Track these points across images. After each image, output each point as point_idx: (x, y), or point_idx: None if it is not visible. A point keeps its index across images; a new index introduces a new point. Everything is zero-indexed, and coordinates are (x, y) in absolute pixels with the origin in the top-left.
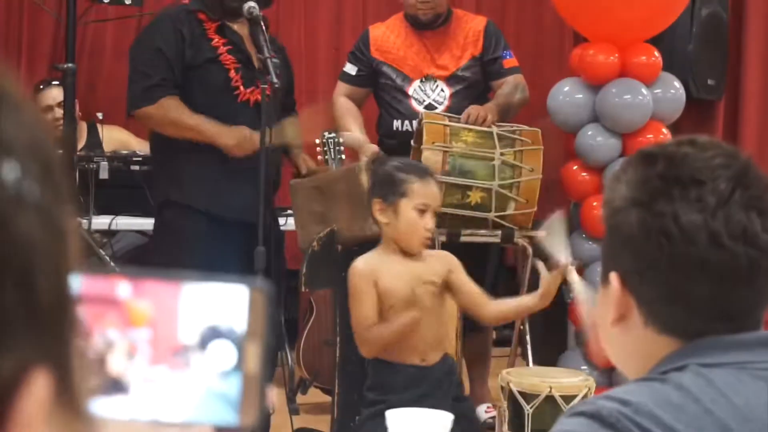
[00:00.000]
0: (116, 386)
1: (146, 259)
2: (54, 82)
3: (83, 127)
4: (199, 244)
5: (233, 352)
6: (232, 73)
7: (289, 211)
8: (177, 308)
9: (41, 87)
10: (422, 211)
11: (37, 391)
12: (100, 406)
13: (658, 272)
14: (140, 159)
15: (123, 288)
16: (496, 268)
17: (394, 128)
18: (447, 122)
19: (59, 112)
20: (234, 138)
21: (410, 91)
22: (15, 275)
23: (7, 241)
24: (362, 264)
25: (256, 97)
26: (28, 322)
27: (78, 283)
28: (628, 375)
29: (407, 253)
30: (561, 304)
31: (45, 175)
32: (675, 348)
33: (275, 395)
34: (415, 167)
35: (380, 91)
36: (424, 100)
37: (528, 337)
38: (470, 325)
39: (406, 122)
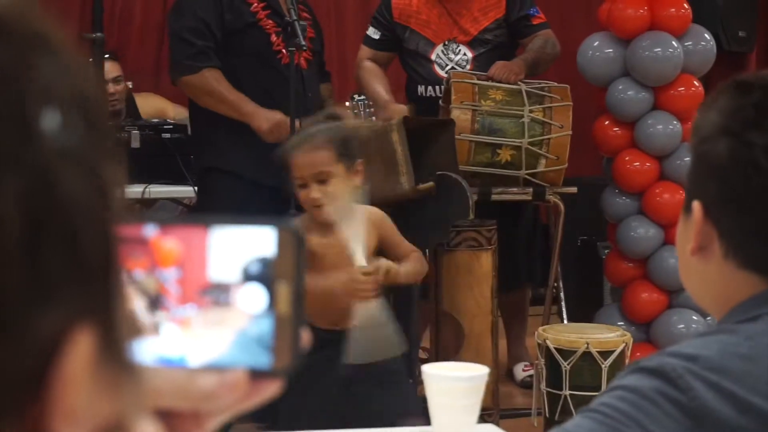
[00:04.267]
0: (146, 330)
1: None
2: (105, 56)
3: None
4: (242, 210)
5: (264, 294)
6: (273, 37)
7: None
8: (205, 250)
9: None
10: (303, 186)
11: (82, 348)
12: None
13: (744, 204)
14: (171, 127)
15: (150, 230)
16: (532, 225)
17: (419, 93)
18: (475, 81)
19: (113, 87)
20: (268, 122)
21: (433, 57)
22: (57, 231)
23: (49, 196)
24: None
25: (299, 61)
26: (71, 278)
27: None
28: (703, 307)
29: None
30: (596, 260)
31: (88, 126)
32: (752, 285)
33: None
34: (294, 139)
35: (404, 56)
36: (446, 65)
37: (562, 294)
38: (506, 284)
39: (429, 88)
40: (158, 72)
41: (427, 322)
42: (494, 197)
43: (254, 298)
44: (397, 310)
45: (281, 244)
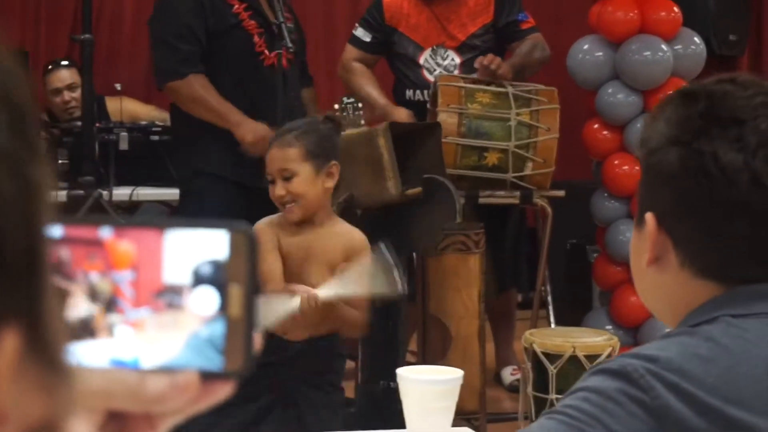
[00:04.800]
0: (97, 331)
1: None
2: (63, 63)
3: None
4: (225, 212)
5: (216, 296)
6: (256, 38)
7: None
8: (160, 253)
9: (50, 68)
10: (271, 182)
11: (6, 348)
12: (81, 353)
13: (697, 212)
14: (160, 129)
15: (106, 232)
16: (518, 229)
17: (407, 97)
18: (462, 84)
19: (68, 95)
20: (253, 134)
21: (421, 61)
22: None
23: None
24: (265, 222)
25: (281, 60)
26: None
27: (59, 229)
28: (661, 318)
29: (305, 222)
30: (585, 264)
31: (15, 124)
32: (710, 292)
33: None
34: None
35: (394, 59)
36: (434, 69)
37: (550, 298)
38: (492, 287)
39: (418, 92)
40: (150, 75)
41: (414, 325)
42: (481, 200)
43: (206, 301)
44: (384, 313)
45: (234, 246)
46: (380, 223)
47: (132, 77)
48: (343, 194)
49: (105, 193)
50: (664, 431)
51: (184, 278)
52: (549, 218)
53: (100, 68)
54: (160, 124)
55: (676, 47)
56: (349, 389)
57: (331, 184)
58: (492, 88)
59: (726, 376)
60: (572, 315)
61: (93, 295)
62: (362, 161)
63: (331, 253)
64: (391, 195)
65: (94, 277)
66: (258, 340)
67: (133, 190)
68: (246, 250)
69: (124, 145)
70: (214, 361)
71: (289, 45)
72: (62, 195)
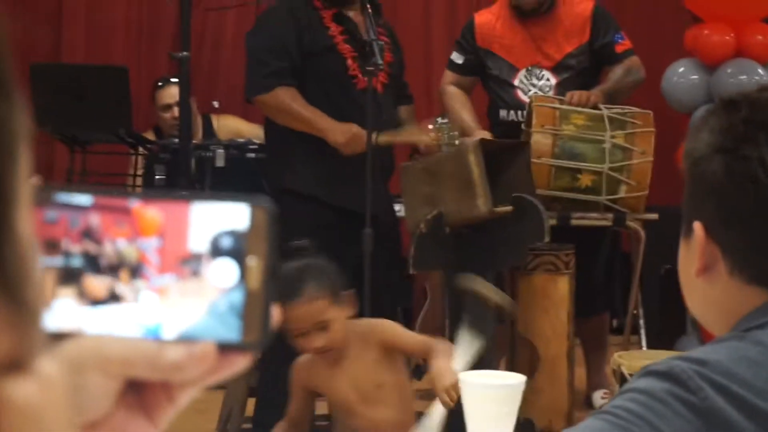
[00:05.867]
0: (122, 297)
1: None
2: (173, 80)
3: (198, 121)
4: (313, 231)
5: (236, 268)
6: (350, 62)
7: None
8: (185, 222)
9: (160, 84)
10: (302, 334)
11: None
12: (101, 319)
13: (745, 219)
14: (256, 147)
15: (134, 201)
16: (611, 252)
17: (501, 117)
18: (557, 105)
19: (177, 111)
20: (344, 135)
21: (516, 82)
22: None
23: None
24: (300, 362)
25: (375, 84)
26: None
27: (88, 197)
28: (711, 329)
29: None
30: (679, 289)
31: None
32: (760, 299)
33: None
34: (283, 290)
35: (487, 80)
36: (529, 90)
37: (642, 321)
38: (584, 310)
39: (512, 112)
40: None
41: (503, 347)
42: (574, 222)
43: (226, 272)
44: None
45: (254, 220)
46: (468, 241)
47: (230, 94)
48: (431, 212)
49: None
50: None
51: (206, 248)
52: (642, 241)
53: (199, 87)
54: (257, 141)
55: None
56: None
57: (352, 311)
58: (587, 110)
59: None
60: (665, 340)
61: (120, 261)
62: (451, 178)
63: (369, 358)
64: (480, 212)
65: (122, 243)
66: (276, 314)
67: None
68: (266, 224)
69: (220, 162)
70: (231, 333)
71: (380, 62)
72: None
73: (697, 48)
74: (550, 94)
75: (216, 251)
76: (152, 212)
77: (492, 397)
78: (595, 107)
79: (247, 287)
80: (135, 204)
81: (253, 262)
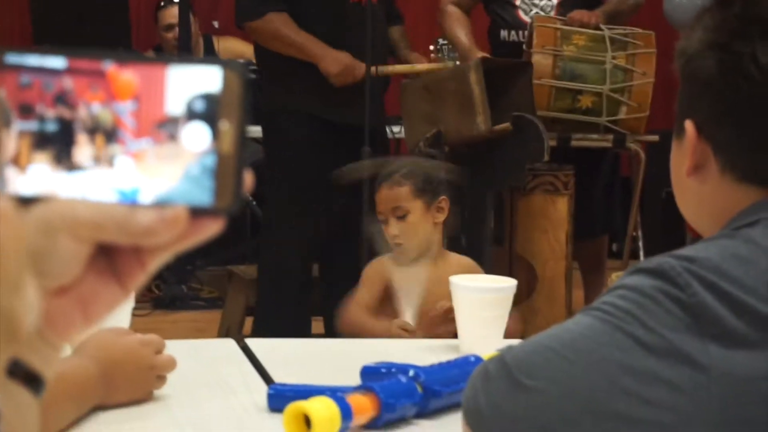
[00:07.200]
0: (98, 162)
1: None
2: (175, 0)
3: (199, 42)
4: (309, 149)
5: (207, 132)
6: None
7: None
8: (160, 86)
9: (162, 4)
10: (384, 221)
11: None
12: (76, 184)
13: (737, 115)
14: (256, 69)
15: (108, 64)
16: (611, 176)
17: (501, 38)
18: (558, 25)
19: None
20: (337, 66)
21: (517, 2)
22: None
23: None
24: (377, 262)
25: None
26: None
27: (62, 60)
28: (702, 230)
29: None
30: (677, 212)
31: None
32: (752, 197)
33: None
34: (381, 175)
35: (488, 1)
36: (531, 10)
37: (641, 244)
38: (583, 233)
39: (513, 32)
40: None
41: (500, 267)
42: (574, 143)
43: (198, 136)
44: (470, 254)
45: (226, 84)
46: (467, 159)
47: (232, 15)
48: (431, 130)
49: None
50: (700, 329)
51: (179, 111)
52: (642, 163)
53: (203, 8)
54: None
55: None
56: None
57: (441, 218)
58: (588, 30)
59: (765, 277)
60: None
61: (95, 125)
62: (452, 97)
63: (446, 285)
64: (480, 130)
65: (96, 107)
66: (248, 180)
67: None
68: (238, 89)
69: None
70: (203, 197)
71: None
72: None
73: None
74: (552, 13)
75: (189, 114)
76: (127, 75)
77: (483, 300)
78: (597, 28)
79: (219, 152)
80: (110, 67)
81: (226, 126)
